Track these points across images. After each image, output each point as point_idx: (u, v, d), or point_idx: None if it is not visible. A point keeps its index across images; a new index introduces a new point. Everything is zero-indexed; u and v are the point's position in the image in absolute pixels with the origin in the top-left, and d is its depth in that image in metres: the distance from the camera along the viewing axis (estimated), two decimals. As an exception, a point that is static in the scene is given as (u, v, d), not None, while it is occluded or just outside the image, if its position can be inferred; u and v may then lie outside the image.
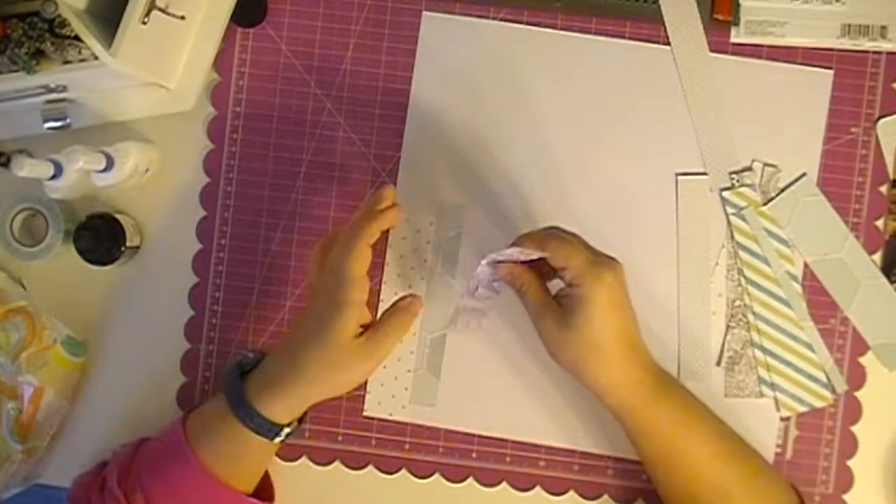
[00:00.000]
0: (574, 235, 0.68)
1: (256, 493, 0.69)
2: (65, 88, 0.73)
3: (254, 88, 0.78)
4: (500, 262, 0.69)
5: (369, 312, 0.68)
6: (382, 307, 0.76)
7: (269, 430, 0.65)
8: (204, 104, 0.78)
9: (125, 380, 0.78)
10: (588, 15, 0.76)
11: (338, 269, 0.65)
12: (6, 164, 0.71)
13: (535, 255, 0.67)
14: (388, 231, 0.76)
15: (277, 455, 0.73)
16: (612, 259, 0.67)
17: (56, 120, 0.74)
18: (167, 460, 0.67)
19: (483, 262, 0.68)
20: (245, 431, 0.65)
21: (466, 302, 0.72)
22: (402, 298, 0.68)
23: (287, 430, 0.66)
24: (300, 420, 0.67)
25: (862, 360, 0.75)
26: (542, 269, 0.69)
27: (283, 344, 0.68)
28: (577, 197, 0.76)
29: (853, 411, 0.75)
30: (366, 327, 0.66)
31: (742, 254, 0.75)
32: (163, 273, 0.78)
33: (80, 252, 0.74)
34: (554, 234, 0.67)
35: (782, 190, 0.75)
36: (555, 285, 0.68)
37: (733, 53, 0.76)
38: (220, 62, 0.77)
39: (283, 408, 0.65)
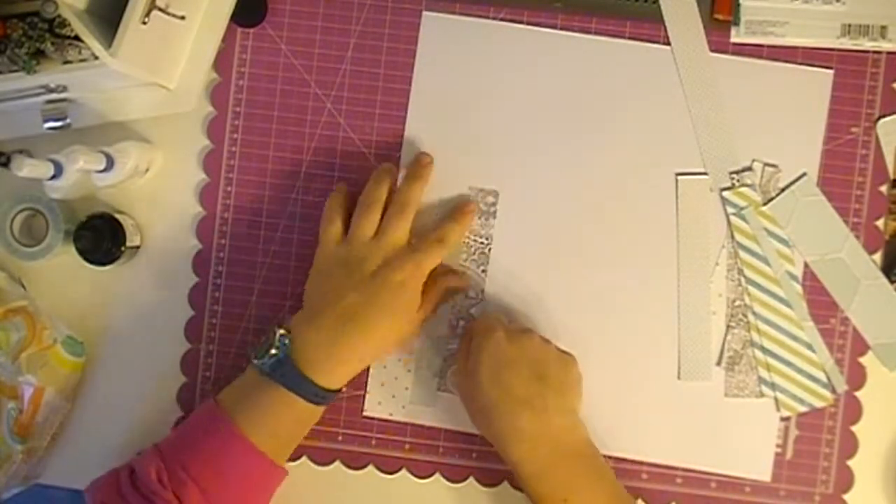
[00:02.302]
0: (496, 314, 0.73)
1: None
2: (65, 88, 0.73)
3: (254, 88, 0.78)
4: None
5: None
6: (382, 307, 0.77)
7: (328, 397, 0.69)
8: (204, 104, 0.78)
9: (125, 380, 0.78)
10: (588, 15, 0.76)
11: (428, 253, 0.71)
12: (6, 164, 0.71)
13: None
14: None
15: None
16: (519, 330, 0.71)
17: (56, 120, 0.74)
18: (211, 441, 0.67)
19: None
20: (301, 404, 0.67)
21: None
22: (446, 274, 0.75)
23: (341, 392, 0.70)
24: None
25: (862, 360, 0.75)
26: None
27: (329, 310, 0.68)
28: (577, 197, 0.76)
29: (853, 411, 0.75)
30: None
31: (742, 254, 0.75)
32: (163, 273, 0.78)
33: (80, 252, 0.74)
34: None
35: (782, 190, 0.75)
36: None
37: (733, 53, 0.76)
38: (220, 62, 0.77)
39: (345, 373, 0.69)
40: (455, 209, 0.75)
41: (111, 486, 0.67)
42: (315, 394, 0.68)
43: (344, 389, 0.71)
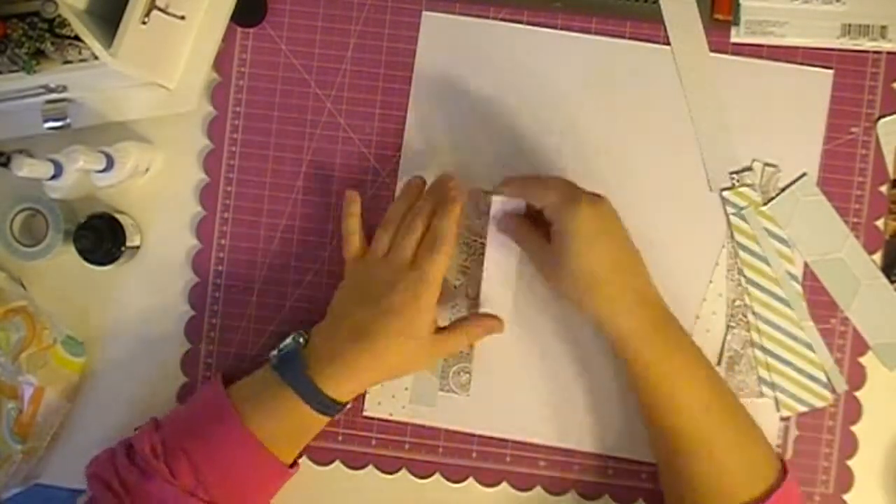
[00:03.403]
0: (556, 178, 0.70)
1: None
2: (65, 88, 0.73)
3: (254, 88, 0.78)
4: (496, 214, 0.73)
5: None
6: (382, 307, 0.77)
7: (332, 408, 0.68)
8: (204, 104, 0.78)
9: (125, 380, 0.78)
10: (588, 15, 0.76)
11: (427, 270, 0.68)
12: (6, 164, 0.71)
13: (517, 201, 0.72)
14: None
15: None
16: (592, 194, 0.68)
17: (56, 120, 0.74)
18: (212, 425, 0.67)
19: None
20: (306, 409, 0.67)
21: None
22: (485, 315, 0.73)
23: (346, 406, 0.70)
24: None
25: (862, 360, 0.75)
26: (538, 218, 0.70)
27: (341, 324, 0.69)
28: (577, 197, 0.76)
29: (853, 411, 0.75)
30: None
31: (742, 254, 0.75)
32: (163, 273, 0.78)
33: (80, 252, 0.74)
34: (531, 177, 0.72)
35: (782, 190, 0.75)
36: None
37: (733, 53, 0.76)
38: (220, 62, 0.77)
39: (350, 389, 0.69)
40: (439, 202, 0.71)
41: (106, 460, 0.68)
42: (319, 401, 0.67)
43: (349, 405, 0.71)
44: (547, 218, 0.68)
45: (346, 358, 0.67)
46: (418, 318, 0.68)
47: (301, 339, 0.69)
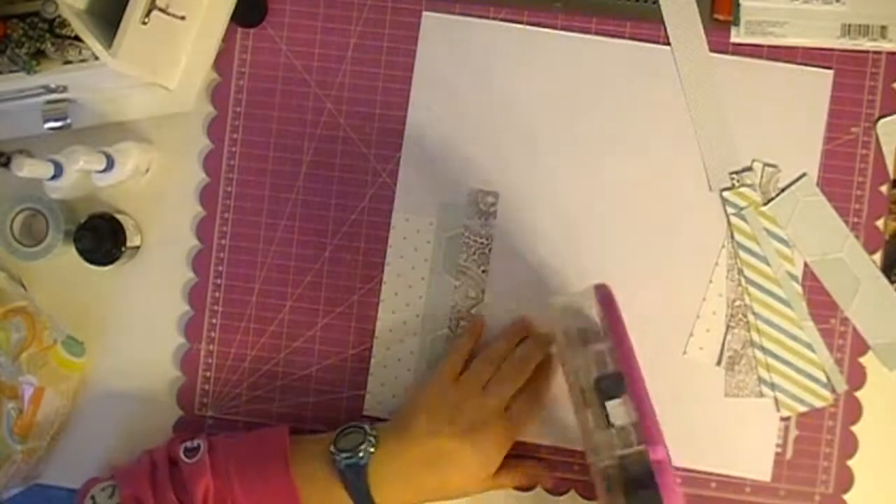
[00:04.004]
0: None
1: None
2: (65, 88, 0.73)
3: (254, 88, 0.78)
4: None
5: None
6: (383, 307, 0.76)
7: None
8: (204, 104, 0.78)
9: (125, 380, 0.78)
10: (588, 15, 0.76)
11: (522, 421, 0.72)
12: (6, 164, 0.71)
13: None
14: (388, 231, 0.77)
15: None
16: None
17: (56, 120, 0.74)
18: (268, 487, 0.68)
19: None
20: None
21: None
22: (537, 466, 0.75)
23: None
24: None
25: (862, 360, 0.75)
26: None
27: (416, 444, 0.69)
28: (576, 197, 0.76)
29: (853, 411, 0.75)
30: None
31: (742, 254, 0.75)
32: (163, 273, 0.78)
33: (80, 252, 0.74)
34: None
35: (782, 190, 0.75)
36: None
37: (733, 53, 0.76)
38: (220, 62, 0.77)
39: (403, 503, 0.69)
40: (544, 363, 0.74)
41: (144, 478, 0.68)
42: None
43: None
44: None
45: (413, 482, 0.68)
46: (495, 460, 0.70)
47: (371, 448, 0.68)
